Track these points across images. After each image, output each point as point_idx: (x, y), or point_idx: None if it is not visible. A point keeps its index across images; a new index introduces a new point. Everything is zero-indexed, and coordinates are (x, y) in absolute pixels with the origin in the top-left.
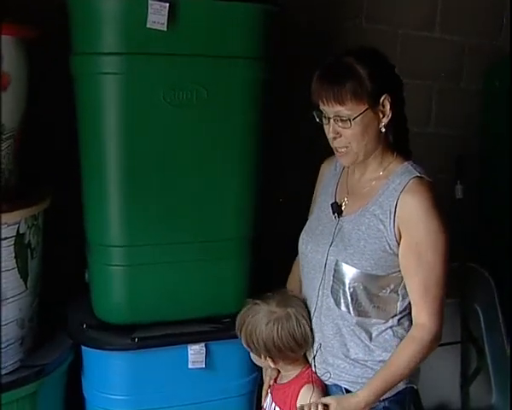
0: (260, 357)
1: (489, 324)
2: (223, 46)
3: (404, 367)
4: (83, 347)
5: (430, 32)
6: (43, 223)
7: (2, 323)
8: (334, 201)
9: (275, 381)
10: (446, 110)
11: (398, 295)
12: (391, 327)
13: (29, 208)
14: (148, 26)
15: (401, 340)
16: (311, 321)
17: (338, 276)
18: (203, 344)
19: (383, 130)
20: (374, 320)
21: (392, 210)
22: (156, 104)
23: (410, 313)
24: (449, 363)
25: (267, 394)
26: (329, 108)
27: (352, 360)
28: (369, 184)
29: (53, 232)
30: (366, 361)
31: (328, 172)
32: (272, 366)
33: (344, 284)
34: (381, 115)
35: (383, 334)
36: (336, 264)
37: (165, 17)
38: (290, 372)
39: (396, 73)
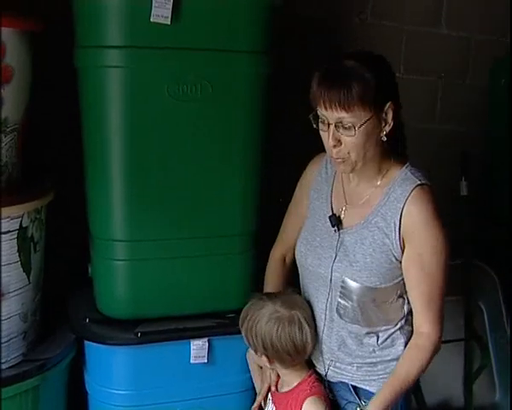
0: (256, 353)
1: (493, 321)
2: (227, 40)
3: (411, 376)
4: (85, 341)
5: (436, 28)
6: (46, 217)
7: (5, 317)
8: (331, 213)
9: (276, 389)
10: (452, 106)
11: (404, 299)
12: (399, 328)
13: (32, 202)
14: (152, 19)
15: (406, 336)
16: (315, 328)
17: (345, 292)
18: (206, 339)
19: (384, 139)
20: (383, 327)
21: (397, 222)
22: (160, 98)
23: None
24: (453, 360)
25: (265, 399)
26: (332, 114)
27: (358, 363)
28: (368, 193)
29: (56, 226)
30: (376, 363)
31: (317, 175)
32: (267, 365)
33: (352, 299)
34: (384, 124)
35: (391, 336)
36: (343, 281)
37: (170, 11)
38: (290, 378)
39: (396, 80)
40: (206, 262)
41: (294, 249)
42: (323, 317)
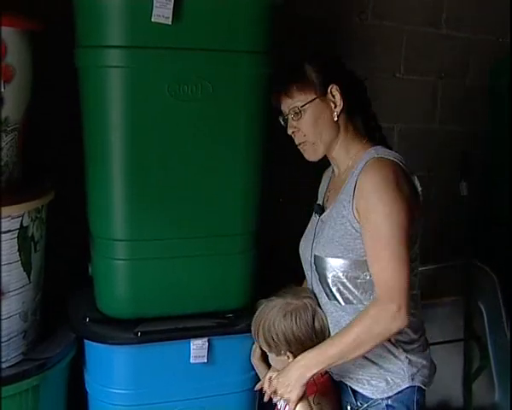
0: (280, 354)
1: (492, 322)
2: (228, 40)
3: (346, 340)
4: (86, 341)
5: (436, 28)
6: (47, 216)
7: (6, 316)
8: (318, 202)
9: None
10: (452, 107)
11: None
12: None
13: (33, 201)
14: (153, 19)
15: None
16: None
17: (319, 270)
18: (206, 339)
19: (336, 119)
20: (363, 306)
21: (351, 193)
22: (161, 98)
23: None
24: (452, 361)
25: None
26: (284, 106)
27: None
28: (342, 177)
29: (56, 226)
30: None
31: (324, 180)
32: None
33: (325, 276)
34: (333, 105)
35: None
36: (315, 259)
37: (171, 11)
38: None
39: (353, 73)
40: (207, 262)
41: None
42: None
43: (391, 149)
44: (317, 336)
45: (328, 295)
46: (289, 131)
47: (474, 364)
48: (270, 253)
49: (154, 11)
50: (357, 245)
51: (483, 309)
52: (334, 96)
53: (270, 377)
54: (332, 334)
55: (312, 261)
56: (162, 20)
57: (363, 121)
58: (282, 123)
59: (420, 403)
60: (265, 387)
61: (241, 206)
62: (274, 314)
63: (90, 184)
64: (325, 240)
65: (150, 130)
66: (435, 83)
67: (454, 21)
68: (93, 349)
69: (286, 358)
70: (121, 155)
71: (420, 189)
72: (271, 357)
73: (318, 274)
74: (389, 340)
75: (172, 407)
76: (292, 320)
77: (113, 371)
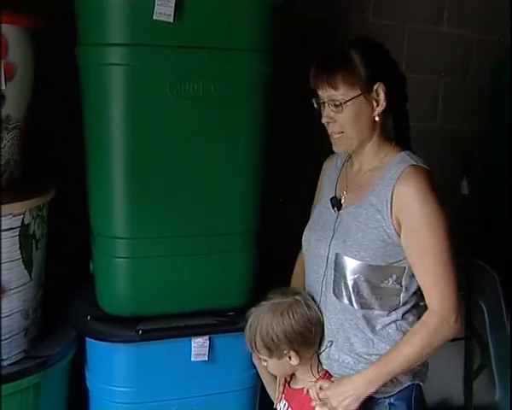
0: (282, 356)
1: (493, 320)
2: (229, 38)
3: (412, 350)
4: (87, 338)
5: (438, 26)
6: (48, 214)
7: (7, 313)
8: (334, 195)
9: (288, 384)
10: (453, 106)
11: (401, 286)
12: (394, 321)
13: (34, 199)
14: (154, 17)
15: (405, 334)
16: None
17: (339, 269)
18: (207, 337)
19: (377, 118)
20: (376, 312)
21: (389, 200)
22: (162, 96)
23: (414, 306)
24: (453, 359)
25: (281, 398)
26: (323, 93)
27: (357, 354)
28: (366, 176)
29: (57, 223)
30: (370, 356)
31: (329, 169)
32: (296, 362)
33: (345, 276)
34: (375, 104)
35: (387, 328)
36: (337, 257)
37: (172, 9)
38: (303, 378)
39: (397, 68)
40: (208, 260)
41: None
42: (320, 295)
43: (413, 151)
44: (315, 327)
45: (338, 296)
46: (324, 120)
47: (474, 362)
48: (270, 253)
49: (156, 9)
50: (388, 252)
51: (484, 308)
52: (377, 95)
53: (321, 386)
54: (328, 332)
55: (332, 259)
56: (164, 18)
57: (395, 119)
58: (316, 106)
59: (418, 399)
60: (313, 394)
61: (242, 204)
62: (269, 317)
63: (91, 182)
64: (353, 241)
65: (151, 128)
66: (436, 82)
67: (455, 20)
68: (94, 347)
69: (287, 360)
70: (122, 153)
71: None
72: (272, 365)
73: (336, 273)
74: (399, 340)
75: (173, 405)
76: (290, 317)
77: (113, 368)
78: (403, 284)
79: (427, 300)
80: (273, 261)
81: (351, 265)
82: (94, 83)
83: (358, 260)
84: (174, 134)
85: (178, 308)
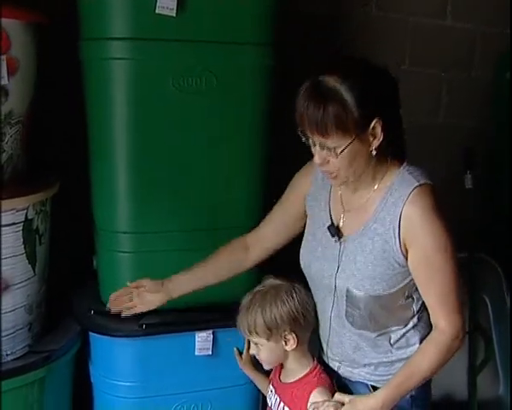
0: (281, 338)
1: (497, 314)
2: (232, 32)
3: (425, 368)
4: (90, 333)
5: (442, 19)
6: (51, 209)
7: (11, 308)
8: (331, 222)
9: (279, 379)
10: (456, 99)
11: (413, 299)
12: (412, 327)
13: (37, 194)
14: (157, 11)
15: (421, 333)
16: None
17: (352, 301)
18: (210, 332)
19: (374, 152)
20: (393, 328)
21: (396, 227)
22: (165, 90)
23: (423, 304)
24: (456, 353)
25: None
26: (314, 137)
27: (377, 363)
28: (365, 198)
29: (61, 218)
30: (393, 362)
31: (313, 181)
32: (294, 345)
33: (359, 308)
34: (372, 138)
35: (405, 335)
36: (348, 290)
37: (175, 2)
38: (295, 368)
39: (387, 80)
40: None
41: (262, 248)
42: (328, 325)
43: (407, 156)
44: (313, 311)
45: (354, 324)
46: (317, 162)
47: (478, 356)
48: None
49: (158, 3)
50: (399, 278)
51: (488, 302)
52: (374, 128)
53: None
54: (342, 353)
55: (343, 292)
56: (166, 12)
57: (392, 139)
58: (304, 140)
59: (428, 391)
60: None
61: (246, 198)
62: (272, 298)
63: (94, 177)
64: (363, 275)
65: (154, 122)
66: (440, 75)
67: (459, 13)
68: (98, 342)
69: (283, 344)
70: (125, 148)
71: None
72: (266, 351)
73: (348, 304)
74: (415, 340)
75: (176, 399)
76: (293, 297)
77: (117, 363)
78: (414, 296)
79: (434, 318)
80: (273, 262)
81: (365, 298)
82: (97, 77)
83: (372, 293)
84: (177, 128)
85: (182, 303)
